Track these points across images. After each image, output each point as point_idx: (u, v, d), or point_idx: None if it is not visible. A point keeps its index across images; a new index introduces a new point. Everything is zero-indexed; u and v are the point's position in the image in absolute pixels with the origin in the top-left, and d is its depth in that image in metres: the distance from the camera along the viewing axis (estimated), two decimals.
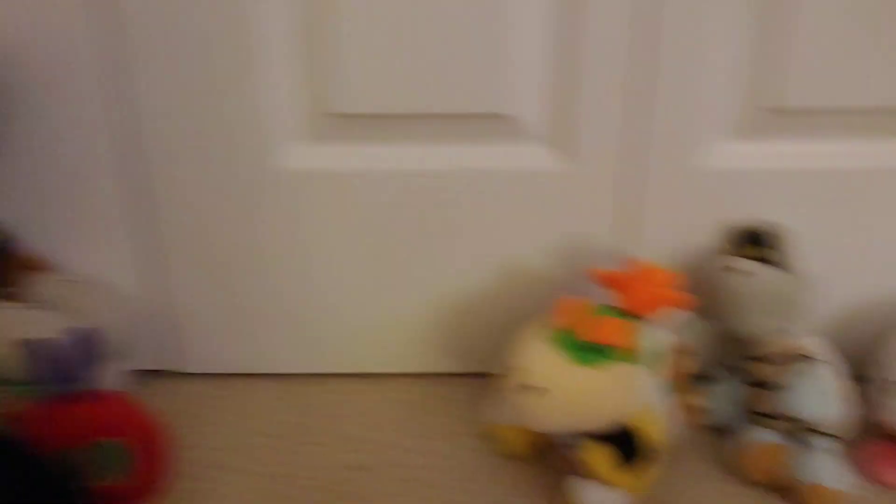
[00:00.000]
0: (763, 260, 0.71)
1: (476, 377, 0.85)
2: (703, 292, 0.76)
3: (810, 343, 0.71)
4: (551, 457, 0.73)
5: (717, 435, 0.76)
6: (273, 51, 0.71)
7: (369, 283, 0.81)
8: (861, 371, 0.78)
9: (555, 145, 0.74)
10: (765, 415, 0.71)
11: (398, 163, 0.75)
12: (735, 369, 0.76)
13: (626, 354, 0.63)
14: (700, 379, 0.75)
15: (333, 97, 0.73)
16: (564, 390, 0.62)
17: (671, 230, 0.77)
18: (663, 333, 0.67)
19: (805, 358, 0.69)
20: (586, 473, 0.65)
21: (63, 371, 0.66)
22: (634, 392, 0.64)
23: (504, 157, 0.75)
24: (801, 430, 0.69)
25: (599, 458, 0.64)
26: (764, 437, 0.70)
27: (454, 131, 0.74)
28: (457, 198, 0.76)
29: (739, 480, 0.71)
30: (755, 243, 0.72)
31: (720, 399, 0.75)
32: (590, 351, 0.62)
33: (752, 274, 0.69)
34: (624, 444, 0.64)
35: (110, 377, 0.73)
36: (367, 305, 0.82)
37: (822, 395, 0.66)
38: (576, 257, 0.78)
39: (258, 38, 0.70)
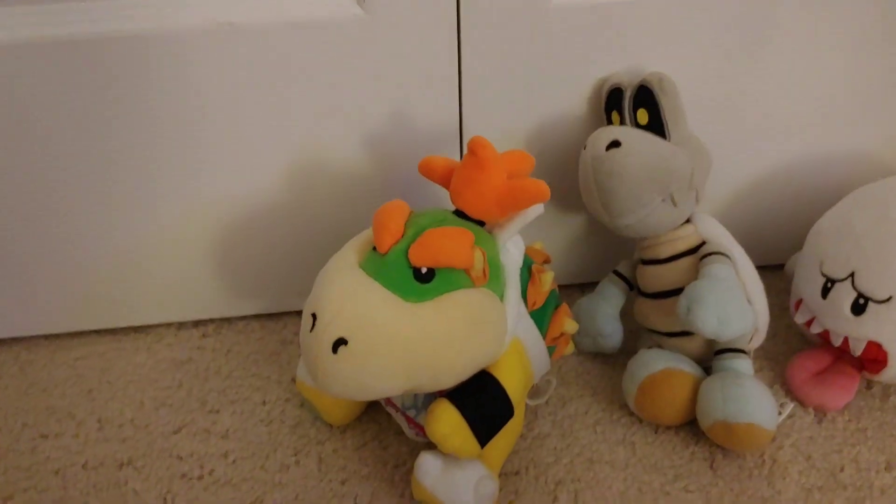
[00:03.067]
0: (639, 126, 0.55)
1: (274, 318, 0.67)
2: (566, 178, 0.60)
3: (712, 233, 0.57)
4: (389, 420, 0.57)
5: (607, 364, 0.62)
6: None
7: (114, 211, 0.60)
8: (777, 262, 0.67)
9: None
10: (664, 333, 0.58)
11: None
12: (622, 277, 0.62)
13: (472, 277, 0.46)
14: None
15: None
16: (388, 339, 0.44)
17: (513, 94, 0.58)
18: (520, 242, 0.51)
19: (708, 254, 0.55)
20: (434, 443, 0.48)
21: None
22: (488, 329, 0.47)
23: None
24: (712, 351, 0.56)
25: (446, 424, 0.47)
26: (666, 363, 0.56)
27: None
28: (224, 64, 0.54)
29: (640, 420, 0.57)
30: (628, 104, 0.55)
31: (606, 319, 0.61)
32: (421, 279, 0.45)
33: (625, 146, 0.53)
34: (480, 401, 0.48)
35: None
36: (116, 241, 0.61)
37: (733, 302, 0.51)
38: (395, 145, 0.58)
39: None
